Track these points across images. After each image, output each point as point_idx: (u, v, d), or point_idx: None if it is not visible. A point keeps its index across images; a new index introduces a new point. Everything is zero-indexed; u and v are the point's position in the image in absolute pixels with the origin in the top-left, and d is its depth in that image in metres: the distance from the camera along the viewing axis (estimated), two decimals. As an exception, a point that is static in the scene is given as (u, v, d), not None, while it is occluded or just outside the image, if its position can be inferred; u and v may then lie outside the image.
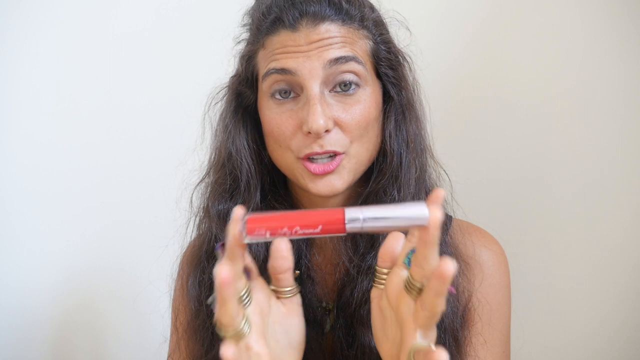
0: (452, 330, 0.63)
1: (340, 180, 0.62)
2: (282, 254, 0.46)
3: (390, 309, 0.47)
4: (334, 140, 0.61)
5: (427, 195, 0.67)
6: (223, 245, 0.44)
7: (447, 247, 0.66)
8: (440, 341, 0.61)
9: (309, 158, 0.61)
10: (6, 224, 1.05)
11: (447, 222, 0.69)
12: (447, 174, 0.71)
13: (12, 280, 1.05)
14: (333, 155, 0.61)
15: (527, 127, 0.96)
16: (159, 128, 1.07)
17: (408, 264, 0.45)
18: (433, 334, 0.44)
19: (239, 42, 0.71)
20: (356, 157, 0.63)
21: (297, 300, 0.50)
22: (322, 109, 0.59)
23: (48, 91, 1.05)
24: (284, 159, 0.64)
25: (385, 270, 0.48)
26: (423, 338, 0.43)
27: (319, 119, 0.58)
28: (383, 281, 0.48)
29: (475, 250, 0.68)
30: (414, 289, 0.43)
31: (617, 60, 0.90)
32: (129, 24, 1.06)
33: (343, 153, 0.61)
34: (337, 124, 0.61)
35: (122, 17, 1.06)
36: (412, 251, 0.45)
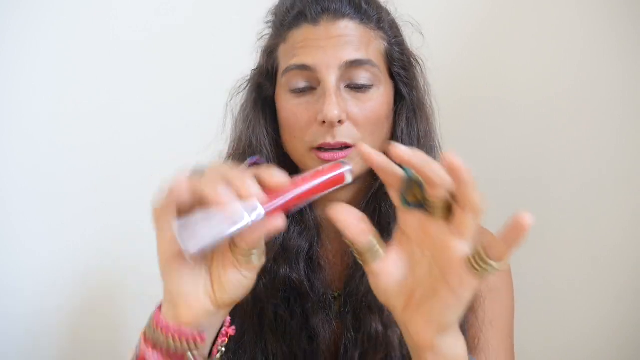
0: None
1: None
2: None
3: (418, 249, 0.43)
4: (346, 133, 0.64)
5: None
6: (255, 163, 0.43)
7: None
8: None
9: (321, 148, 0.64)
10: (6, 224, 1.05)
11: None
12: None
13: (12, 280, 1.05)
14: (344, 147, 0.64)
15: (526, 128, 0.96)
16: (159, 128, 1.07)
17: (406, 203, 0.43)
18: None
19: (260, 39, 0.74)
20: None
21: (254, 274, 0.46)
22: (337, 100, 0.62)
23: (48, 91, 1.05)
24: (297, 149, 0.67)
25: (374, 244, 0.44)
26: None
27: (334, 109, 0.62)
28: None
29: None
30: (437, 207, 0.41)
31: (616, 60, 0.90)
32: (128, 24, 1.07)
33: (354, 146, 0.65)
34: (349, 118, 0.64)
35: (122, 17, 1.07)
36: (406, 182, 0.42)
